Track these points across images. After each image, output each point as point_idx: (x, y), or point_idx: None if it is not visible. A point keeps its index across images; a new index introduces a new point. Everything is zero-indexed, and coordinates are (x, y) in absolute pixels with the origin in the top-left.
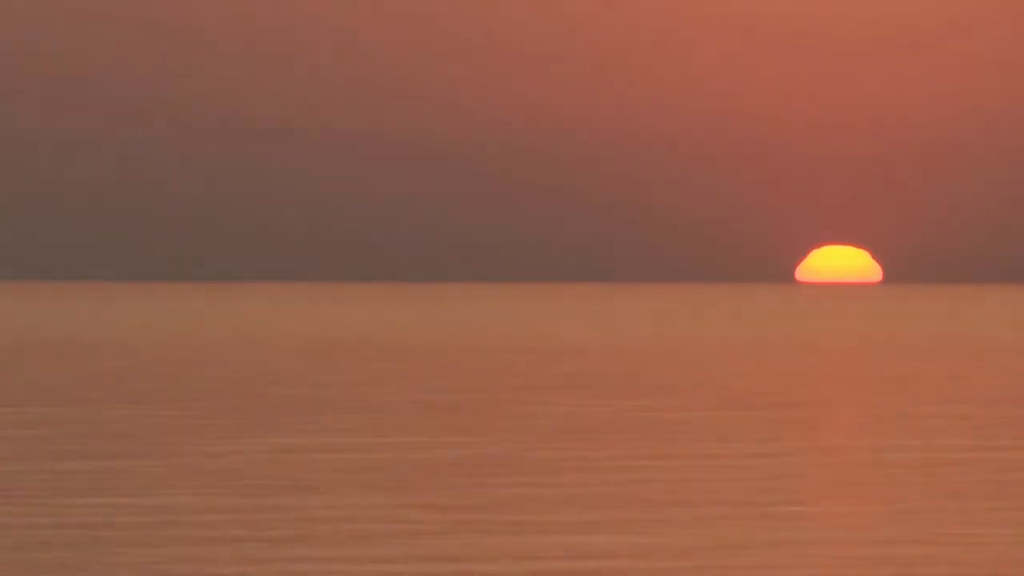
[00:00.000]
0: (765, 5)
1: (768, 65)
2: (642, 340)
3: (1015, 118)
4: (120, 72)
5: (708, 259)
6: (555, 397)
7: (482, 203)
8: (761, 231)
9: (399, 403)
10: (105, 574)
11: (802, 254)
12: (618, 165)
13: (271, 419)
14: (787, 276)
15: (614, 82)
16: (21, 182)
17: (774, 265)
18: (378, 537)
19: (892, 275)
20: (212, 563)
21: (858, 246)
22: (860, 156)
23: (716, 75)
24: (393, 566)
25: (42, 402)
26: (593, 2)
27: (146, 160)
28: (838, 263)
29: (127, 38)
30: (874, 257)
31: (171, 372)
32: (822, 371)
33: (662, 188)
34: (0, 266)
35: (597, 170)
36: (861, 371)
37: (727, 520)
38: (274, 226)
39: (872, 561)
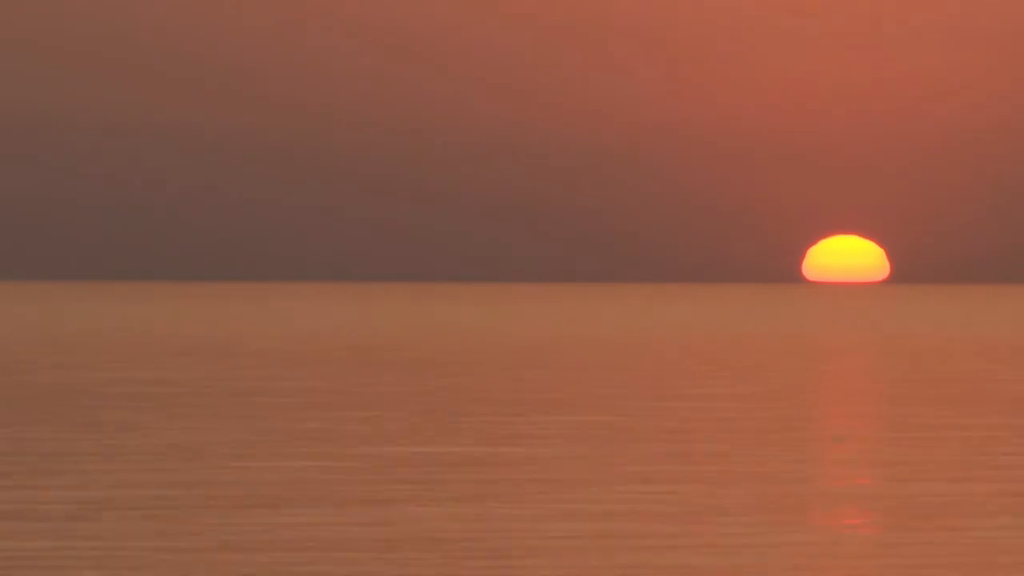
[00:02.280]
0: None
1: (769, 61)
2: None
3: None
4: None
5: (707, 257)
6: None
7: (471, 200)
8: (760, 228)
9: None
10: None
11: (802, 251)
12: (616, 162)
13: None
14: (791, 273)
15: (611, 79)
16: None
17: (775, 262)
18: None
19: (897, 266)
20: None
21: (862, 236)
22: (859, 151)
23: (716, 71)
24: None
25: None
26: None
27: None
28: (843, 258)
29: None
30: (882, 248)
31: None
32: None
33: (662, 184)
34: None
35: (593, 166)
36: None
37: None
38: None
39: None
